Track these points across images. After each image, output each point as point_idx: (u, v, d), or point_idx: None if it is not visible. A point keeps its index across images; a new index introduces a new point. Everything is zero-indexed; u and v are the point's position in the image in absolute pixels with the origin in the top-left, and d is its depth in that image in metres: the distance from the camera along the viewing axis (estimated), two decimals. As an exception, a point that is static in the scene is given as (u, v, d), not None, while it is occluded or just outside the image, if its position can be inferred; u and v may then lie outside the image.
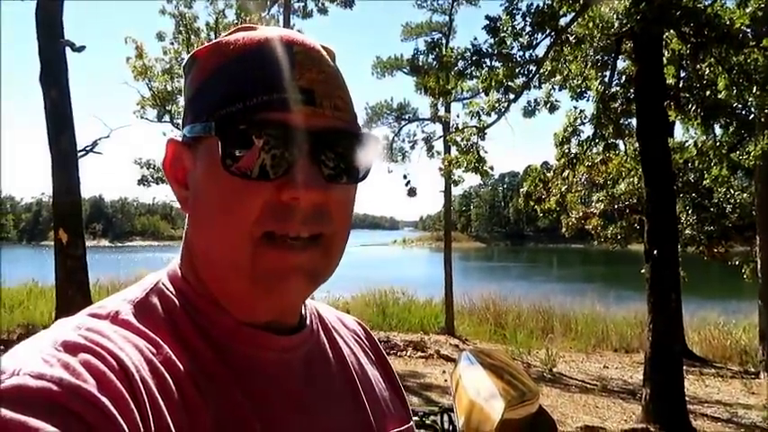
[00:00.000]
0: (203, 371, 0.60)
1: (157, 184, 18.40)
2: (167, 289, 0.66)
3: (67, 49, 9.63)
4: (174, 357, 0.58)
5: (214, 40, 0.68)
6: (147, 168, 18.22)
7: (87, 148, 11.81)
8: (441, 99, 8.89)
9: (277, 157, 0.59)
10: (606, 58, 8.68)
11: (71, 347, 0.52)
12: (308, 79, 0.61)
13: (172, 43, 17.45)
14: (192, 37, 17.45)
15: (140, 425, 0.50)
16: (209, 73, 0.64)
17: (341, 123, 0.63)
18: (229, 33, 0.68)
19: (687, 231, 13.01)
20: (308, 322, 0.73)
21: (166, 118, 17.63)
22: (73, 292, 9.29)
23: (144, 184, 18.20)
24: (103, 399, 0.48)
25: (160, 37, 17.43)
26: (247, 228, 0.59)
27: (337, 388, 0.72)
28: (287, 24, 11.65)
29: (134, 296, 0.64)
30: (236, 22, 15.78)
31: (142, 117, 17.80)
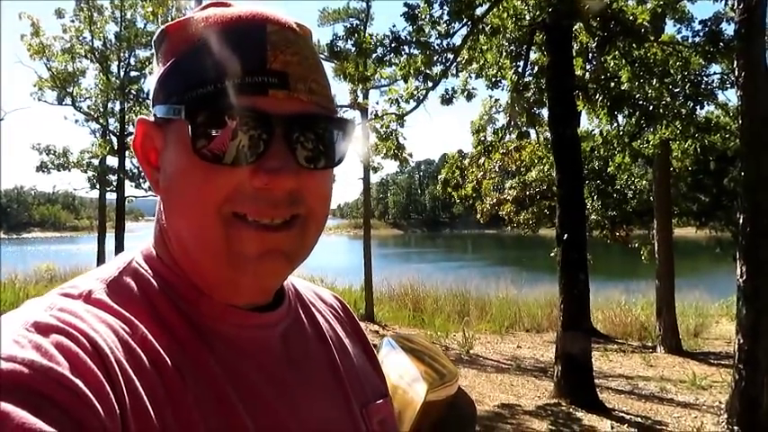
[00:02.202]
0: (181, 350, 0.59)
1: (59, 170, 17.33)
2: (141, 267, 0.65)
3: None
4: (150, 337, 0.57)
5: (185, 15, 0.65)
6: (48, 154, 17.09)
7: (-23, 132, 10.89)
8: (360, 85, 8.86)
9: (249, 142, 0.57)
10: (519, 49, 8.96)
11: (43, 328, 0.50)
12: (282, 62, 0.59)
13: (72, 21, 16.41)
14: (95, 15, 16.47)
15: (116, 406, 0.49)
16: (180, 52, 0.62)
17: (316, 107, 0.61)
18: (201, 8, 0.65)
19: (593, 216, 13.76)
20: (285, 299, 0.72)
21: (68, 101, 16.57)
22: (-36, 288, 8.59)
23: (44, 171, 17.09)
24: (77, 381, 0.47)
25: (59, 14, 16.32)
26: (216, 208, 0.58)
27: (316, 363, 0.71)
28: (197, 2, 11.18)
29: (107, 275, 0.62)
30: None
31: (40, 99, 16.65)
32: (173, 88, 0.61)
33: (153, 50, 0.68)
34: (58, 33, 16.31)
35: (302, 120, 0.59)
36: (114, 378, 0.50)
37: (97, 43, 16.76)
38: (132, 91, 16.89)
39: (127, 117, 17.18)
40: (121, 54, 17.22)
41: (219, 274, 0.62)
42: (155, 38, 0.67)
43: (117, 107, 17.27)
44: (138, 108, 16.90)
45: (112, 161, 17.88)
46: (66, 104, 16.72)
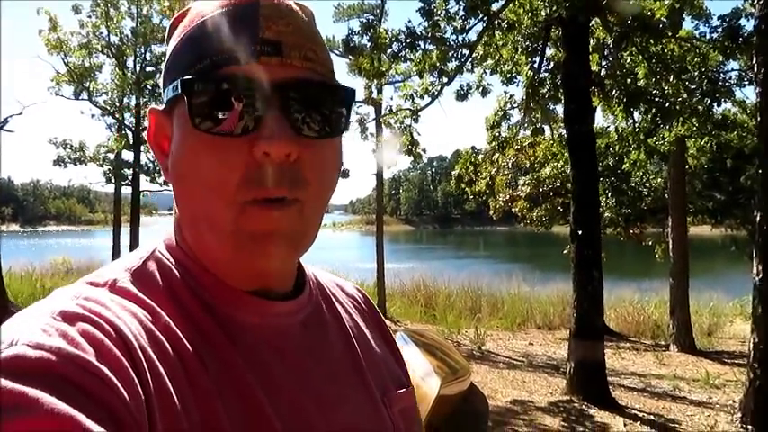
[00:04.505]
0: (202, 337, 0.59)
1: (75, 164, 17.52)
2: (164, 256, 0.65)
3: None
4: (172, 325, 0.58)
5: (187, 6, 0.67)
6: (64, 148, 17.27)
7: (-3, 126, 11.04)
8: (374, 81, 8.87)
9: (245, 111, 0.57)
10: (536, 44, 8.91)
11: (69, 317, 0.51)
12: (275, 31, 0.59)
13: (89, 16, 16.57)
14: (112, 10, 16.61)
15: (141, 391, 0.50)
16: (180, 39, 0.64)
17: (312, 74, 0.61)
18: None
19: (606, 214, 13.66)
20: (306, 288, 0.72)
21: (84, 95, 16.74)
22: (-17, 280, 8.72)
23: (60, 165, 17.27)
24: (102, 367, 0.48)
25: (76, 9, 16.47)
26: (230, 196, 0.58)
27: (337, 353, 0.72)
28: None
29: (132, 264, 0.63)
30: (160, -5, 15.08)
31: (57, 94, 16.82)
32: (174, 73, 0.62)
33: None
34: (76, 29, 16.50)
35: (298, 86, 0.59)
36: (139, 364, 0.51)
37: (113, 39, 16.92)
38: (148, 86, 17.03)
39: (142, 112, 17.33)
40: (137, 49, 17.37)
41: (225, 256, 0.62)
42: (167, 32, 0.69)
43: (133, 102, 17.47)
44: (153, 103, 17.05)
45: (128, 155, 18.05)
46: (82, 99, 16.90)
